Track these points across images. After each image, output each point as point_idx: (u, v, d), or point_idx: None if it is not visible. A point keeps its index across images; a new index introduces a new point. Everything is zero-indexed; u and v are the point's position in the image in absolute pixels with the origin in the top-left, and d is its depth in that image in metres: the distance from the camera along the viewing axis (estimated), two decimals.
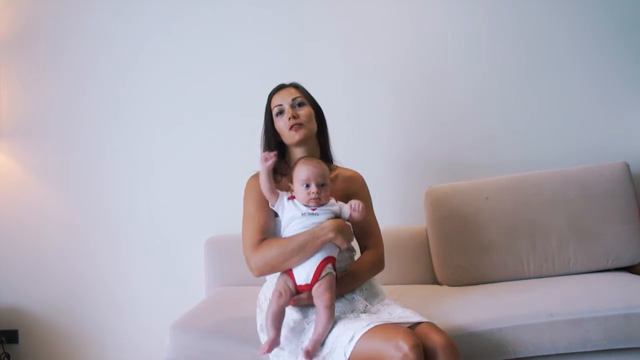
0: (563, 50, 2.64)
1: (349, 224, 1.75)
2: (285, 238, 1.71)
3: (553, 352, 1.85)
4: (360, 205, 1.72)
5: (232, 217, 2.67)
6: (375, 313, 1.74)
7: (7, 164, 2.76)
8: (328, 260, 1.68)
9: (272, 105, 1.88)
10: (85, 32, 2.77)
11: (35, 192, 2.76)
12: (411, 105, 2.68)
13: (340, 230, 1.68)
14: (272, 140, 1.89)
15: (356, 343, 1.53)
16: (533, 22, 2.65)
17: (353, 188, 1.91)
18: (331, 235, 1.66)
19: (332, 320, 1.63)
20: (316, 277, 1.66)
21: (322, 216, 1.70)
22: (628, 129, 2.61)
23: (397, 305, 1.79)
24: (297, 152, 1.87)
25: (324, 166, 1.76)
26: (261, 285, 2.01)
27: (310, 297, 1.67)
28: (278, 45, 2.71)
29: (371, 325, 1.56)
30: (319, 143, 1.93)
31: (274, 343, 1.63)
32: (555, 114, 2.64)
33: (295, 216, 1.71)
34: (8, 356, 2.70)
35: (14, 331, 2.73)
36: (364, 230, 1.87)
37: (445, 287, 2.36)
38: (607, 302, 1.89)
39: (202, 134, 2.73)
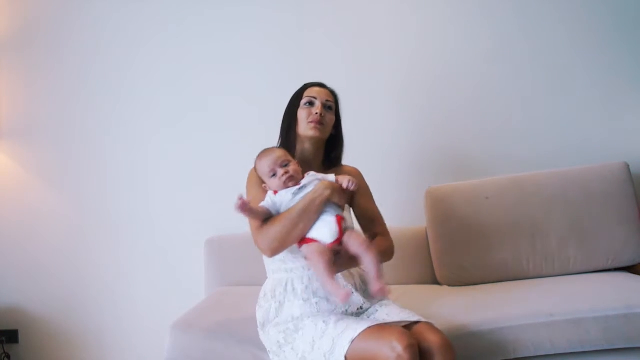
0: (563, 50, 2.64)
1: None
2: (284, 211, 1.73)
3: (553, 352, 1.85)
4: (350, 179, 1.75)
5: (232, 217, 2.66)
6: (373, 314, 1.75)
7: (7, 164, 2.76)
8: (340, 217, 1.69)
9: (305, 95, 1.91)
10: (85, 31, 2.77)
11: (35, 192, 2.76)
12: (411, 106, 2.68)
13: (334, 188, 1.73)
14: (290, 125, 1.92)
15: (352, 343, 1.56)
16: (534, 23, 2.65)
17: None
18: (327, 192, 1.71)
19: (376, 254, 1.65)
20: (341, 229, 1.67)
21: (310, 186, 1.74)
22: (628, 129, 2.61)
23: (396, 305, 1.79)
24: (305, 145, 1.90)
25: (277, 149, 1.83)
26: (261, 285, 2.01)
27: (347, 257, 1.68)
28: (279, 43, 2.71)
29: (366, 326, 1.58)
30: (326, 150, 1.96)
31: (345, 290, 1.62)
32: (555, 114, 2.64)
33: (289, 199, 1.73)
34: (8, 356, 2.70)
35: (14, 331, 2.73)
36: (370, 217, 1.90)
37: (445, 287, 2.36)
38: (607, 302, 1.90)
39: (201, 134, 2.73)
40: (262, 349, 1.83)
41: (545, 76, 2.65)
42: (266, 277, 1.91)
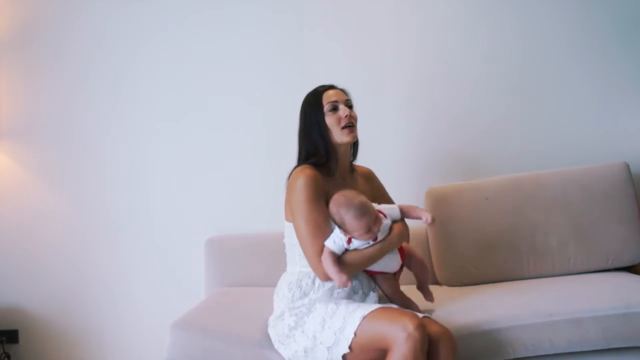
0: (563, 50, 2.64)
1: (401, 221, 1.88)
2: (360, 254, 1.76)
3: (552, 352, 1.86)
4: (428, 216, 1.84)
5: (232, 217, 2.68)
6: None
7: (7, 164, 2.76)
8: (403, 251, 1.87)
9: (325, 101, 1.88)
10: (85, 31, 2.76)
11: (35, 192, 2.76)
12: (411, 106, 2.67)
13: (404, 235, 1.85)
14: (323, 135, 1.86)
15: (363, 321, 1.63)
16: (533, 23, 2.64)
17: (374, 184, 2.05)
18: (399, 244, 1.84)
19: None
20: (403, 258, 1.86)
21: (384, 233, 1.80)
22: (628, 129, 2.60)
23: (398, 307, 1.83)
24: (340, 151, 1.90)
25: (369, 204, 1.78)
26: (261, 286, 2.02)
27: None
28: (279, 43, 2.70)
29: (378, 307, 1.67)
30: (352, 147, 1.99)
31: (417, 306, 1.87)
32: (555, 114, 2.64)
33: (362, 247, 1.77)
34: (8, 356, 2.70)
35: (14, 331, 2.73)
36: None
37: (445, 287, 2.36)
38: (606, 302, 1.90)
39: (201, 134, 2.73)
40: (263, 347, 1.84)
41: (545, 76, 2.64)
42: (284, 271, 1.92)
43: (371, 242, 1.76)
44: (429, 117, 2.67)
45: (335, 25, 2.70)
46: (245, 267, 2.51)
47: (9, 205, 2.76)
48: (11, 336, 2.72)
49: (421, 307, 1.89)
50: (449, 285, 2.37)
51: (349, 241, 1.74)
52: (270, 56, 2.71)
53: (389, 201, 2.05)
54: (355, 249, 1.75)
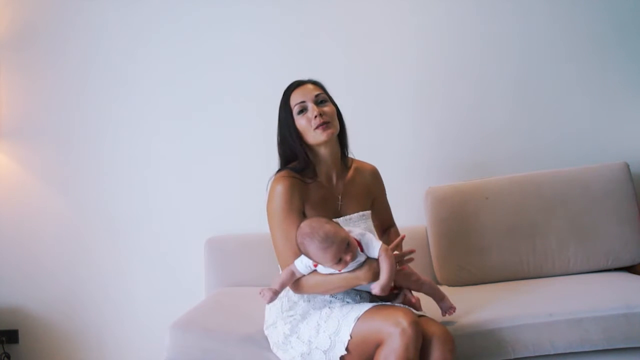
0: (563, 50, 2.64)
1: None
2: (323, 280, 1.68)
3: (552, 352, 1.85)
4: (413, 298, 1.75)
5: (232, 217, 2.68)
6: None
7: (8, 164, 2.76)
8: None
9: (293, 103, 1.78)
10: (86, 31, 2.76)
11: (35, 193, 2.75)
12: (411, 106, 2.68)
13: (376, 274, 1.65)
14: (295, 140, 1.77)
15: (357, 321, 1.62)
16: (533, 23, 2.65)
17: (376, 185, 1.98)
18: (368, 279, 1.65)
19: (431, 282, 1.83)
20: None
21: (354, 265, 1.66)
22: (628, 129, 2.61)
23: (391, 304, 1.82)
24: (321, 151, 1.81)
25: (334, 227, 1.63)
26: (262, 286, 2.00)
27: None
28: (280, 41, 2.70)
29: (372, 306, 1.65)
30: (339, 142, 1.86)
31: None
32: (555, 114, 2.64)
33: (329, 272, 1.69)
34: (8, 356, 2.70)
35: (14, 331, 2.73)
36: (386, 213, 2.02)
37: (445, 287, 2.36)
38: (606, 302, 1.90)
39: (202, 134, 2.72)
40: (262, 347, 1.84)
41: (545, 76, 2.64)
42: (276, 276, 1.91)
43: (336, 271, 1.65)
44: (429, 117, 2.67)
45: (337, 25, 2.70)
46: (245, 267, 2.51)
47: (9, 205, 2.76)
48: (11, 336, 2.72)
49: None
50: (449, 285, 2.37)
51: (315, 265, 1.67)
52: (270, 55, 2.70)
53: (385, 206, 2.00)
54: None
